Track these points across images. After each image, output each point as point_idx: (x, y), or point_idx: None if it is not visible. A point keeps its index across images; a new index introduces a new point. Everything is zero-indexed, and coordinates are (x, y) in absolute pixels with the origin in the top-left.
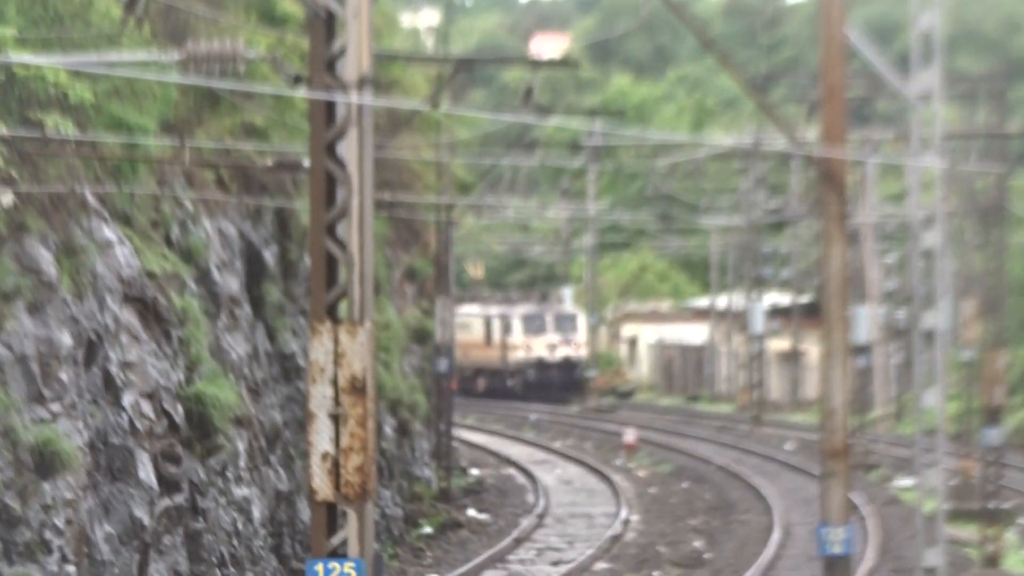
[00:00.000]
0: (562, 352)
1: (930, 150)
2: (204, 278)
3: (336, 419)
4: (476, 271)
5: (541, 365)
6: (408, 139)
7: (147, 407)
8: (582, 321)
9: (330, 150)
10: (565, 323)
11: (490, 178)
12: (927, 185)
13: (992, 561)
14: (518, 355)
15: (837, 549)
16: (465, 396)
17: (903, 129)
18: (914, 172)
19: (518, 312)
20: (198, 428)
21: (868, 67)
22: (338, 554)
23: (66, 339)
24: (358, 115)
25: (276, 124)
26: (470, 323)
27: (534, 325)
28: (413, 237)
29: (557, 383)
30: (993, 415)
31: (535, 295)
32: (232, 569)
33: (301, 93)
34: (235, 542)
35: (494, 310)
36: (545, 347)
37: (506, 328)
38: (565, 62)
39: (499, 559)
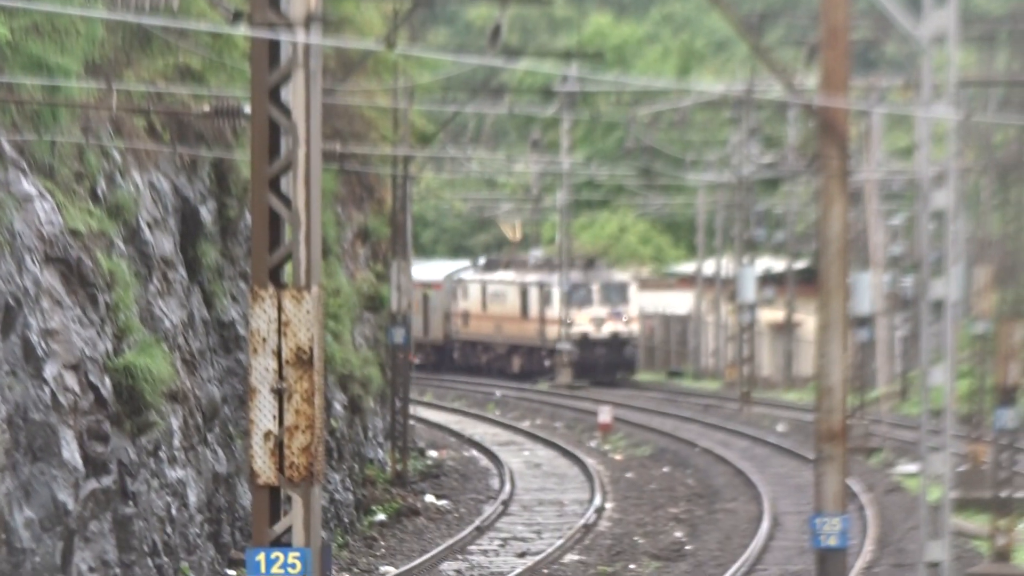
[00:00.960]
0: (609, 327)
1: (943, 99)
2: (134, 237)
3: (280, 394)
4: (513, 232)
5: (585, 342)
6: (361, 84)
7: (71, 379)
8: (634, 291)
9: (274, 95)
10: (613, 293)
11: (452, 128)
12: (939, 138)
13: (1003, 555)
14: (558, 330)
15: (832, 541)
16: (499, 376)
17: (913, 75)
18: (925, 124)
19: (558, 280)
20: (128, 403)
21: (875, 5)
22: (282, 543)
23: None
24: (305, 56)
25: (214, 66)
26: (504, 292)
27: (577, 296)
28: (366, 193)
29: (603, 363)
30: (1008, 395)
31: (579, 260)
32: (165, 558)
33: (241, 31)
34: (169, 529)
35: (531, 277)
36: (589, 321)
37: (545, 299)
38: None
39: (459, 550)
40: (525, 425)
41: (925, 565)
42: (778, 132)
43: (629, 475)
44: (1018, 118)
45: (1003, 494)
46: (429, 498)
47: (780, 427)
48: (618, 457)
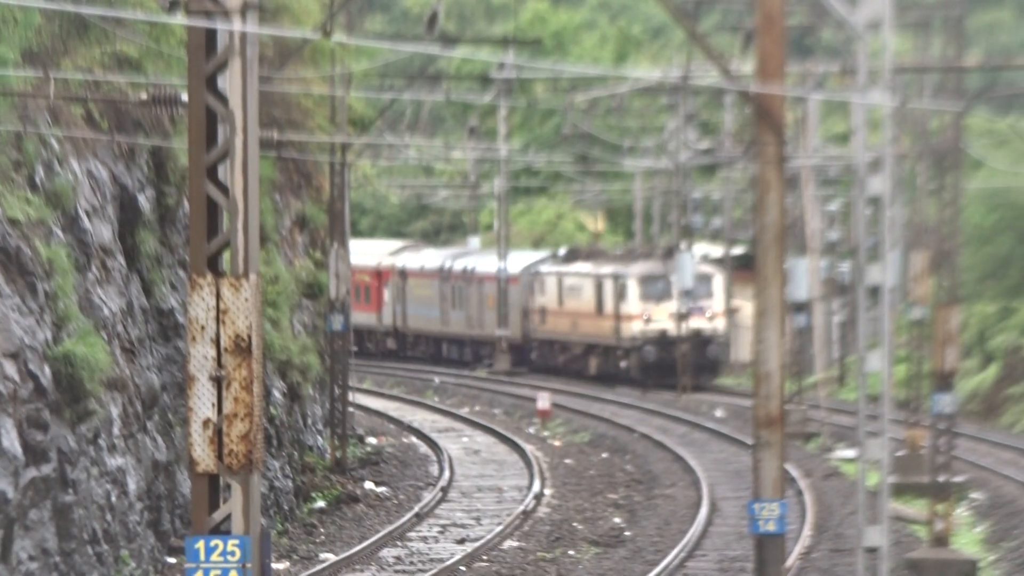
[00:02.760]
0: (691, 324)
1: (878, 85)
2: (72, 225)
3: (219, 382)
4: (595, 224)
5: (664, 341)
6: (298, 71)
7: (11, 368)
8: (719, 283)
9: (210, 83)
10: (696, 285)
11: (390, 115)
12: (875, 124)
13: (941, 540)
14: (634, 328)
15: (771, 527)
16: (576, 378)
17: (849, 62)
18: (860, 110)
19: (634, 272)
20: (67, 391)
21: None
22: (221, 530)
23: None
24: (241, 44)
25: (151, 54)
26: (580, 286)
27: (655, 289)
28: (304, 180)
29: (684, 364)
30: (945, 380)
31: (658, 250)
32: (105, 546)
33: (178, 19)
34: (108, 517)
35: (606, 269)
36: (669, 317)
37: (620, 293)
38: None
39: (399, 536)
40: (464, 412)
41: (863, 550)
42: (715, 118)
43: (568, 461)
44: (953, 104)
45: (941, 479)
46: (368, 485)
47: (718, 413)
48: (557, 443)
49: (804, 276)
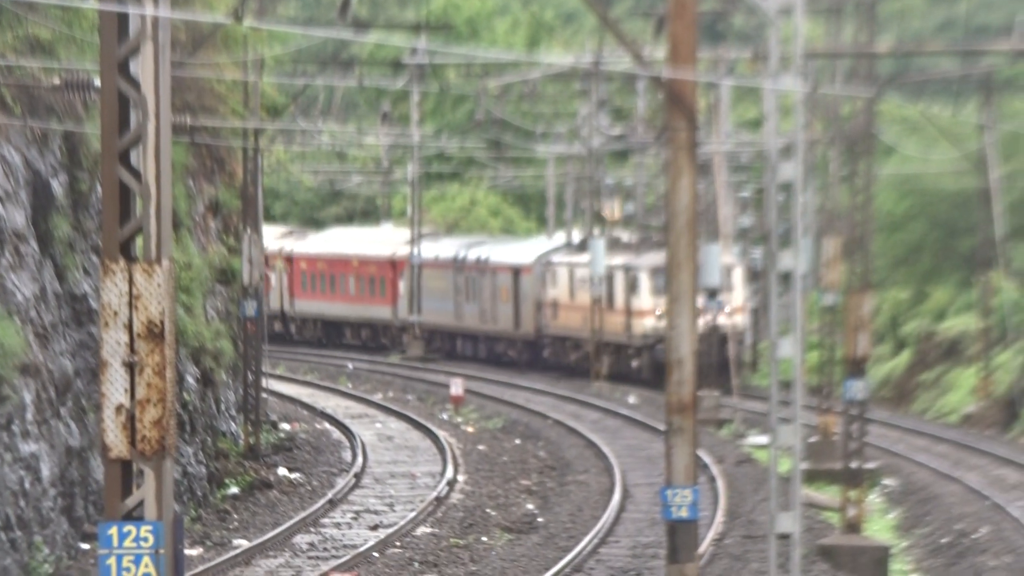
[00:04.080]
0: (710, 320)
1: (790, 71)
2: None
3: (131, 368)
4: (612, 214)
5: None
6: (211, 56)
7: None
8: (739, 275)
9: (123, 68)
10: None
11: (303, 100)
12: (787, 110)
13: (853, 527)
14: (645, 324)
15: (683, 513)
16: (584, 378)
17: (761, 47)
18: (772, 95)
19: (646, 263)
20: None
21: None
22: (134, 516)
23: None
24: (154, 29)
25: (64, 38)
26: (590, 277)
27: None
28: (217, 166)
29: (700, 365)
30: (857, 366)
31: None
32: (18, 532)
33: (90, 3)
34: (22, 503)
35: (617, 260)
36: None
37: (631, 285)
38: None
39: (312, 522)
40: (377, 398)
41: (776, 536)
42: (627, 104)
43: (481, 447)
44: (865, 90)
45: (853, 465)
46: (282, 471)
47: (631, 399)
48: (470, 429)
49: (716, 262)
